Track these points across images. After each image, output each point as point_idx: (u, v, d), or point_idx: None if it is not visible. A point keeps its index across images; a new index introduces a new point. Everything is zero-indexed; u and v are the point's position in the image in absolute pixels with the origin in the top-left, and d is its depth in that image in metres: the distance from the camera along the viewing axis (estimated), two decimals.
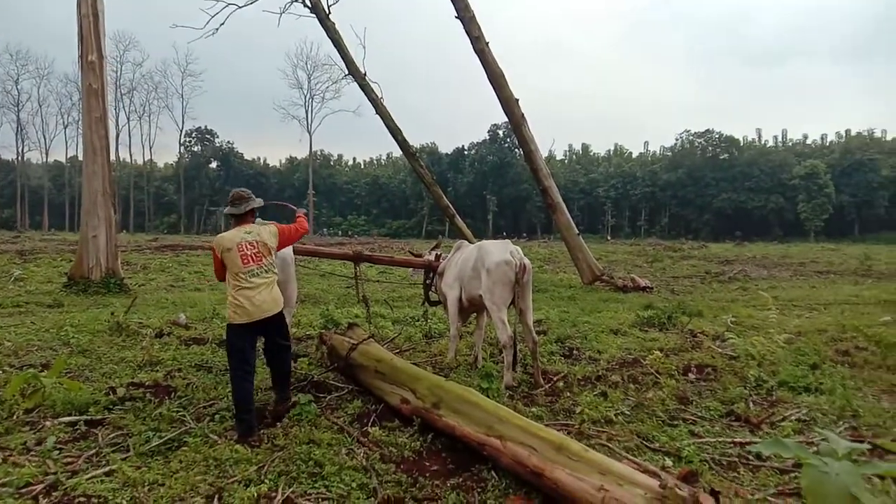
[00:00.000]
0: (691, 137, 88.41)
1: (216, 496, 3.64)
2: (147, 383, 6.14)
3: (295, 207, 6.22)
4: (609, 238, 68.26)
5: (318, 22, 20.06)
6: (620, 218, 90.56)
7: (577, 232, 17.92)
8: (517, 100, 17.36)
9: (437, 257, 7.90)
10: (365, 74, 20.37)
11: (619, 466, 3.38)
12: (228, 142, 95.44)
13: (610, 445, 4.52)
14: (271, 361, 5.47)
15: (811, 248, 44.80)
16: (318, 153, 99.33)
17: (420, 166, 20.89)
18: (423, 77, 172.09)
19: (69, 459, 4.27)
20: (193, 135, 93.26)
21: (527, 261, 6.40)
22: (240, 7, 21.08)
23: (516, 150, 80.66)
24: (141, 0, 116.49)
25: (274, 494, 3.70)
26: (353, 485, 3.87)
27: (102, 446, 4.49)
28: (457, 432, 4.47)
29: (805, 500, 3.34)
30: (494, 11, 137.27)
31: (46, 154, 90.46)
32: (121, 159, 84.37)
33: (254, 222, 5.29)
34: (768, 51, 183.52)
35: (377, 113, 20.37)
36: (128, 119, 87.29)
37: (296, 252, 7.14)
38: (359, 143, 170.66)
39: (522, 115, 17.45)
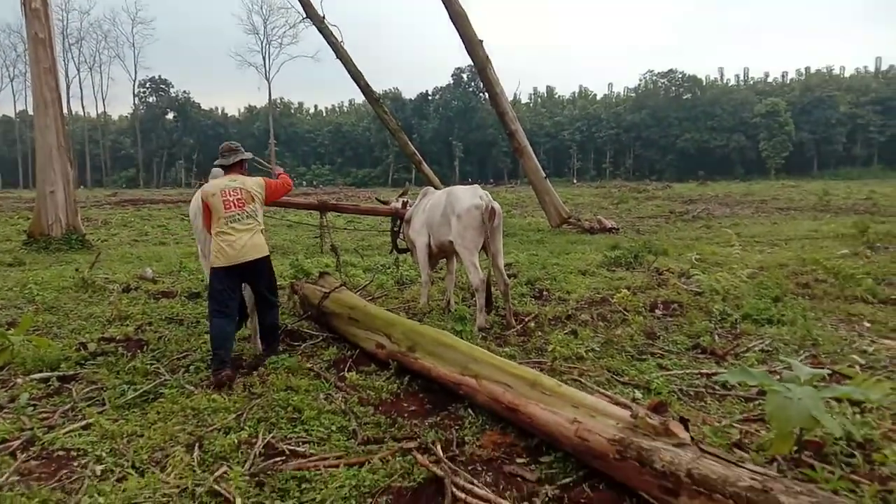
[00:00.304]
0: (655, 78, 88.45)
1: (196, 444, 3.65)
2: (118, 338, 6.08)
3: (271, 167, 6.22)
4: (575, 181, 68.77)
5: None
6: (586, 161, 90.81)
7: (545, 175, 17.95)
8: (481, 41, 17.07)
9: (404, 204, 7.87)
10: (324, 17, 19.75)
11: (591, 399, 3.47)
12: (184, 91, 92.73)
13: (582, 380, 4.63)
14: (260, 311, 5.55)
15: (772, 186, 45.66)
16: (278, 101, 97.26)
17: (384, 112, 20.51)
18: (383, 19, 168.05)
19: (44, 415, 4.24)
20: (147, 85, 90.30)
21: (496, 205, 6.42)
22: None
23: (481, 94, 79.97)
24: None
25: (254, 440, 3.73)
26: (333, 428, 3.93)
27: (77, 401, 4.46)
28: (433, 373, 4.55)
29: (770, 424, 3.49)
30: None
31: None
32: (73, 112, 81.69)
33: (243, 174, 5.45)
34: None
35: (338, 58, 19.79)
36: (78, 70, 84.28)
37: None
38: (320, 90, 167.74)
39: (487, 56, 17.20)
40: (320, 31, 19.81)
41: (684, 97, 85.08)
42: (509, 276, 7.95)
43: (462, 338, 5.13)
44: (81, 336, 6.18)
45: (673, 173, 76.80)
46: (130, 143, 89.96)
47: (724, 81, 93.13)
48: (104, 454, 3.57)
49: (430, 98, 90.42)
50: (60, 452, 3.64)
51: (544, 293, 8.10)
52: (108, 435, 3.80)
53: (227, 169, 5.41)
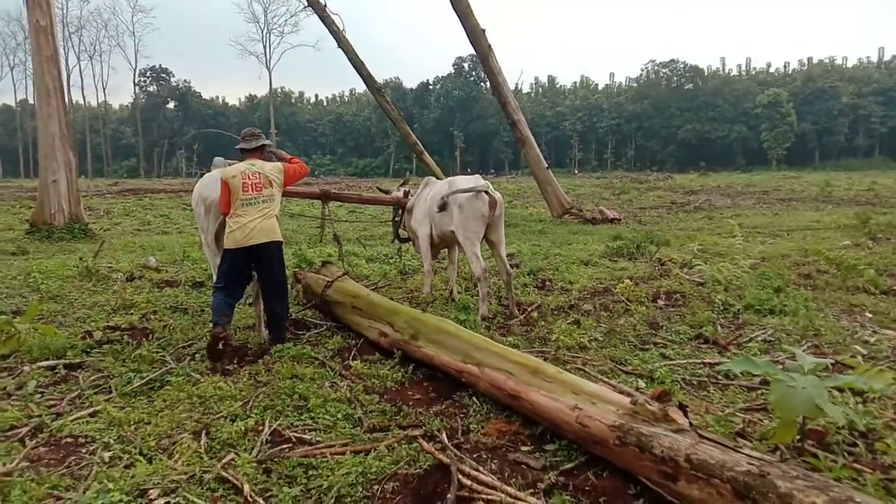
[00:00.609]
0: (656, 68, 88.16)
1: (203, 432, 3.68)
2: (123, 326, 6.10)
3: (286, 155, 6.22)
4: (576, 172, 68.61)
5: None
6: (587, 151, 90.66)
7: (546, 166, 17.93)
8: (483, 30, 17.01)
9: (406, 194, 7.87)
10: (325, 6, 19.67)
11: (592, 386, 3.50)
12: (185, 80, 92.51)
13: (585, 369, 4.65)
14: (266, 298, 5.60)
15: (773, 177, 45.62)
16: (279, 90, 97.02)
17: (386, 102, 20.42)
18: (385, 8, 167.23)
19: (52, 402, 4.26)
20: (148, 74, 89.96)
21: (498, 195, 6.43)
22: None
23: (482, 83, 79.76)
24: None
25: (261, 428, 3.76)
26: (339, 416, 3.95)
27: (84, 388, 4.49)
28: (435, 361, 4.58)
29: (774, 413, 3.52)
30: None
31: None
32: (73, 102, 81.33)
33: (263, 159, 5.62)
34: None
35: (339, 47, 19.68)
36: (78, 59, 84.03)
37: None
38: (320, 79, 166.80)
39: (489, 45, 17.14)
40: (322, 20, 19.70)
41: (686, 87, 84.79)
42: (512, 266, 7.97)
43: (466, 327, 5.14)
44: (87, 324, 6.20)
45: (674, 164, 76.73)
46: (131, 132, 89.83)
47: (726, 72, 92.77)
48: (112, 441, 3.60)
49: (431, 87, 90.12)
50: (68, 439, 3.67)
51: (547, 283, 8.12)
52: (115, 422, 3.83)
53: (248, 153, 5.55)
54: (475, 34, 16.99)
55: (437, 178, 8.84)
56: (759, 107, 76.22)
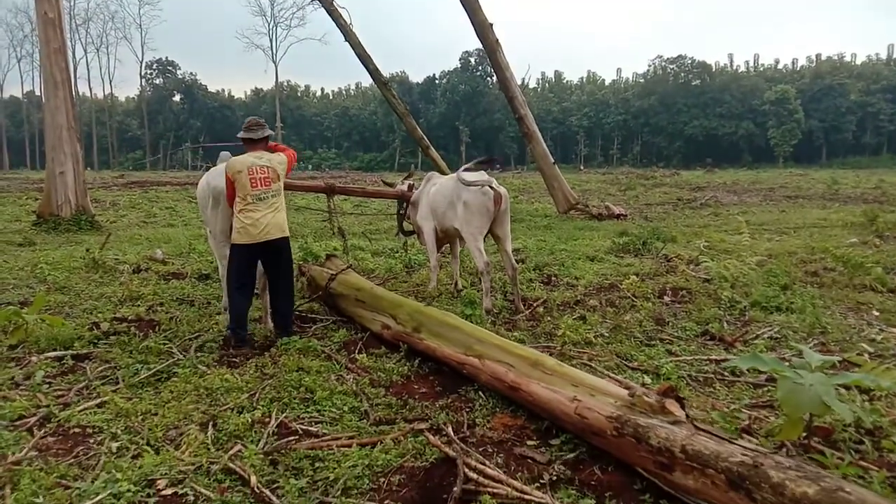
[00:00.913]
0: (664, 63, 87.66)
1: (210, 423, 3.70)
2: (130, 318, 6.12)
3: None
4: (582, 167, 68.40)
5: None
6: (593, 147, 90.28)
7: (553, 161, 17.89)
8: (491, 24, 16.96)
9: (410, 187, 7.88)
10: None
11: (591, 378, 3.54)
12: (191, 73, 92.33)
13: (591, 365, 4.65)
14: (273, 291, 5.63)
15: (780, 174, 45.43)
16: (285, 84, 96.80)
17: (393, 96, 20.41)
18: (393, 2, 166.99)
19: (59, 392, 4.29)
20: (154, 67, 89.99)
21: (503, 189, 6.42)
22: None
23: (489, 78, 79.56)
24: None
25: (267, 420, 3.78)
26: (345, 408, 3.97)
27: (92, 379, 4.51)
28: (437, 354, 4.61)
29: (780, 409, 3.52)
30: None
31: (1, 90, 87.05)
32: (80, 94, 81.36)
33: (267, 150, 5.50)
34: None
35: (346, 40, 19.64)
36: (85, 51, 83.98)
37: None
38: (327, 73, 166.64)
39: (497, 40, 17.09)
40: (329, 14, 19.64)
41: (693, 83, 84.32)
42: (518, 261, 7.97)
43: (471, 321, 5.15)
44: (94, 316, 6.23)
45: (680, 160, 76.35)
46: (137, 124, 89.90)
47: (734, 68, 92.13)
48: (119, 431, 3.62)
49: (437, 82, 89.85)
50: (76, 429, 3.69)
51: (552, 279, 8.12)
52: (122, 413, 3.85)
53: (253, 144, 5.40)
54: (483, 29, 16.94)
55: (443, 173, 8.85)
56: (766, 103, 75.78)
